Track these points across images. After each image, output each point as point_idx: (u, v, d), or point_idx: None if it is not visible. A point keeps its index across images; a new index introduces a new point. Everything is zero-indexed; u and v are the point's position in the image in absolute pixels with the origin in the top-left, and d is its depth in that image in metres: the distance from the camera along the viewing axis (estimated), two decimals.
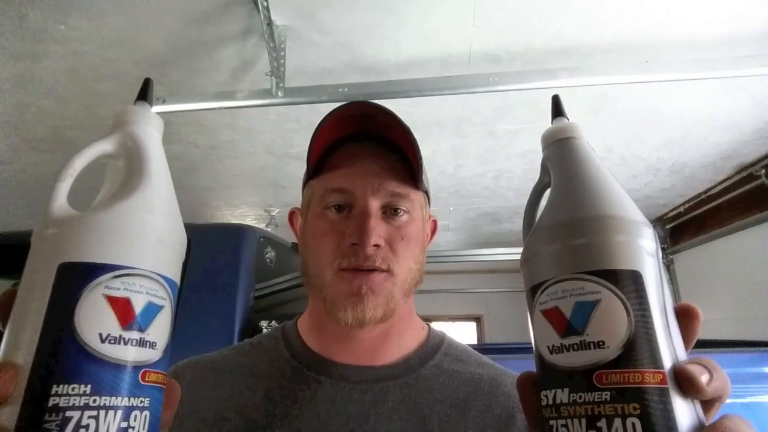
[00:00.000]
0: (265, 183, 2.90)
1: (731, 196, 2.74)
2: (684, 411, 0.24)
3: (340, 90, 1.61)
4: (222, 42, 1.62)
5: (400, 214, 0.54)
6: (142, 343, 0.27)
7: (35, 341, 0.25)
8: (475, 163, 2.62)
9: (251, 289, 1.70)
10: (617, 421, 0.23)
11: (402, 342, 0.58)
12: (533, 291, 0.29)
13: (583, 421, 0.24)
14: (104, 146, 0.32)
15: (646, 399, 0.24)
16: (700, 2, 1.44)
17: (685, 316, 0.28)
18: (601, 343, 0.25)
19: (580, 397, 0.25)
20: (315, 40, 1.62)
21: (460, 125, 2.20)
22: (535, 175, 0.36)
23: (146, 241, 0.29)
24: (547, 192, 0.34)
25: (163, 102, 1.66)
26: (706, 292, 3.11)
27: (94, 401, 0.24)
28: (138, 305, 0.27)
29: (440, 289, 4.99)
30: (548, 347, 0.27)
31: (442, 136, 2.30)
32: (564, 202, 0.31)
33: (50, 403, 0.23)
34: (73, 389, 0.24)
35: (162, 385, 0.28)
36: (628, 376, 0.24)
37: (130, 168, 0.32)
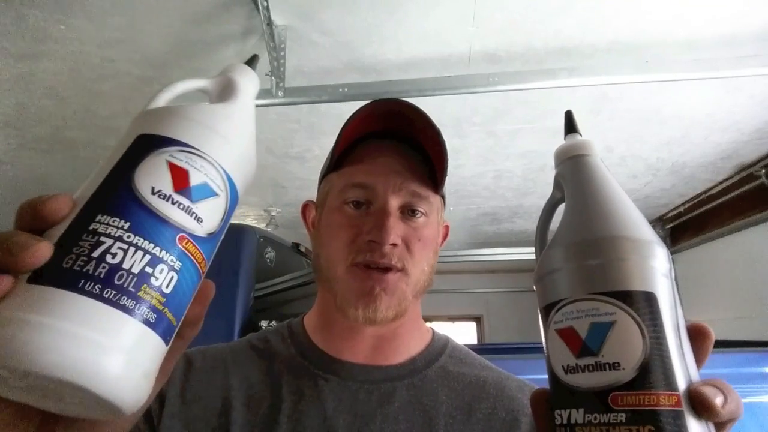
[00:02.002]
0: (265, 183, 2.90)
1: (731, 196, 2.73)
2: None
3: (340, 90, 1.61)
4: (222, 42, 1.62)
5: (418, 215, 0.54)
6: (188, 211, 0.28)
7: (98, 184, 0.28)
8: (475, 163, 2.62)
9: (251, 289, 1.70)
10: None
11: (409, 343, 0.58)
12: (547, 309, 0.30)
13: None
14: (203, 83, 0.36)
15: (662, 421, 0.24)
16: (700, 2, 1.44)
17: (697, 336, 0.28)
18: (616, 365, 0.25)
19: (596, 418, 0.25)
20: (315, 40, 1.61)
21: (460, 125, 2.20)
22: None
23: (219, 138, 0.31)
24: (560, 207, 0.35)
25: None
26: (706, 292, 3.11)
27: (128, 237, 0.26)
28: (194, 180, 0.29)
29: (440, 289, 4.99)
30: (563, 367, 0.28)
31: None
32: (579, 222, 0.31)
33: (90, 227, 0.26)
34: (113, 221, 0.26)
35: (198, 264, 0.29)
36: (644, 399, 0.24)
37: (221, 94, 0.35)
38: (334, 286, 0.53)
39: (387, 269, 0.51)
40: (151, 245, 0.26)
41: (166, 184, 0.28)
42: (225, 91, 0.36)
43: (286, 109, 1.98)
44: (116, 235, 0.26)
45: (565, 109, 0.38)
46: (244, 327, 1.63)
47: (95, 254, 0.25)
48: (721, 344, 1.70)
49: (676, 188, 2.97)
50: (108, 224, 0.26)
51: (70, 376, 0.22)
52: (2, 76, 1.77)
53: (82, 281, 0.24)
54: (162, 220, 0.27)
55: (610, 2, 1.45)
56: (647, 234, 0.29)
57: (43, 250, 0.24)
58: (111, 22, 1.52)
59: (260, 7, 1.37)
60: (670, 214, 3.40)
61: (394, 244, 0.51)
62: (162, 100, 0.34)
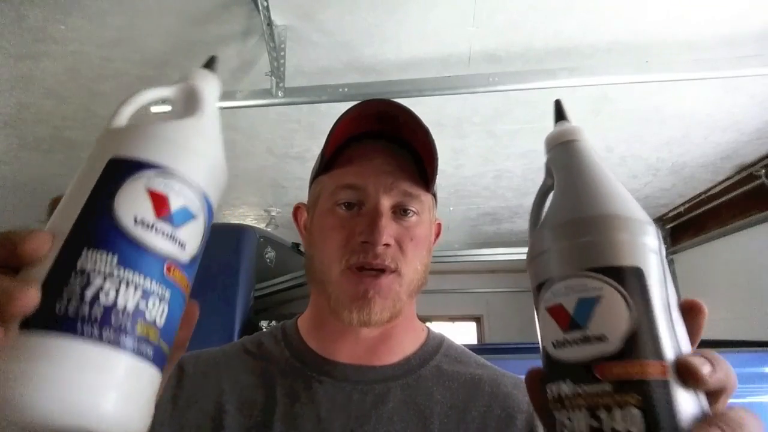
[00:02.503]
0: (265, 183, 2.90)
1: (731, 196, 2.73)
2: (687, 402, 0.24)
3: (340, 90, 1.61)
4: (222, 42, 1.62)
5: (410, 215, 0.54)
6: (172, 238, 0.28)
7: (76, 215, 0.27)
8: (475, 163, 2.62)
9: (251, 289, 1.70)
10: (617, 412, 0.24)
11: (403, 343, 0.58)
12: (539, 289, 0.30)
13: (585, 412, 0.25)
14: (165, 92, 0.35)
15: (647, 390, 0.24)
16: (700, 2, 1.44)
17: (689, 312, 0.28)
18: (602, 337, 0.26)
19: (582, 390, 0.26)
20: (315, 40, 1.61)
21: (460, 125, 2.20)
22: (535, 175, 0.37)
23: (192, 155, 0.31)
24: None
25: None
26: (706, 292, 3.10)
27: (118, 272, 0.25)
28: (174, 204, 0.29)
29: (440, 289, 4.99)
30: (552, 342, 0.28)
31: (442, 136, 2.30)
32: (567, 203, 0.32)
33: (78, 266, 0.25)
34: (101, 256, 0.25)
35: (184, 290, 0.29)
36: (629, 368, 0.25)
37: (186, 105, 0.34)
38: (327, 288, 0.53)
39: (380, 271, 0.51)
40: (141, 278, 0.26)
41: (148, 212, 0.27)
42: (189, 101, 0.35)
43: (286, 109, 1.98)
44: (106, 271, 0.25)
45: (557, 100, 0.39)
46: (244, 327, 1.63)
47: (88, 295, 0.24)
48: (721, 344, 1.70)
49: (676, 188, 2.97)
50: (96, 260, 0.25)
51: (75, 422, 0.22)
52: (2, 76, 1.77)
53: (78, 324, 0.23)
54: (148, 251, 0.27)
55: (610, 2, 1.45)
56: (636, 212, 0.29)
57: (32, 298, 0.23)
58: (111, 22, 1.52)
59: (260, 7, 1.37)
60: (670, 214, 3.40)
61: (387, 245, 0.51)
62: (126, 113, 0.33)
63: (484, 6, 1.46)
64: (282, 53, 1.56)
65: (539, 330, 0.30)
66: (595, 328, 0.26)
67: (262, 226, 3.42)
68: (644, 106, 2.01)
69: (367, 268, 0.51)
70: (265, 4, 1.38)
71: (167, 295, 0.27)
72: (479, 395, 0.53)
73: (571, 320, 0.27)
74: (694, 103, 1.98)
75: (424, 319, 0.62)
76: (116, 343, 0.24)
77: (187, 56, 1.69)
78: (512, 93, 1.82)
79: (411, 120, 0.53)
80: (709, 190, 2.94)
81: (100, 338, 0.24)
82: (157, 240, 0.27)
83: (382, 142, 0.56)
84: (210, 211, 0.32)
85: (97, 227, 0.26)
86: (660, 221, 3.49)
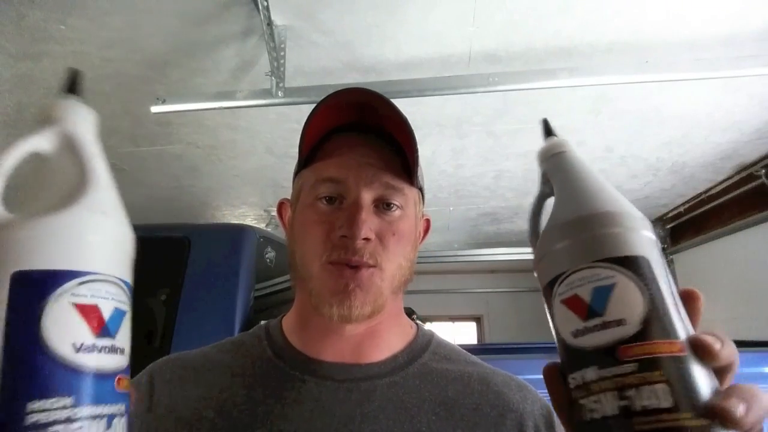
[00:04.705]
0: (265, 183, 2.90)
1: (731, 196, 2.73)
2: (703, 376, 0.26)
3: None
4: (222, 42, 1.62)
5: (393, 209, 0.53)
6: (113, 349, 0.26)
7: None
8: (475, 163, 2.62)
9: (251, 289, 1.70)
10: (645, 389, 0.25)
11: (390, 340, 0.56)
12: (551, 285, 0.31)
13: (613, 393, 0.26)
14: (38, 143, 0.30)
15: (669, 367, 0.25)
16: (700, 2, 1.44)
17: (688, 299, 0.30)
18: (621, 321, 0.27)
19: (608, 372, 0.26)
20: (315, 40, 1.62)
21: (460, 125, 2.20)
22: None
23: (105, 245, 0.28)
24: (550, 200, 0.37)
25: (163, 102, 1.66)
26: (706, 292, 3.05)
27: (75, 414, 0.23)
28: (106, 312, 0.26)
29: (440, 289, 5.00)
30: (571, 332, 0.29)
31: (442, 136, 2.30)
32: (571, 204, 0.33)
33: (28, 422, 0.22)
34: (52, 404, 0.23)
35: (129, 391, 0.28)
36: (650, 348, 0.26)
37: (73, 168, 0.30)
38: (309, 284, 0.51)
39: (359, 266, 0.49)
40: (101, 407, 0.24)
41: (85, 333, 0.25)
42: (66, 153, 0.30)
43: (286, 109, 1.97)
44: (64, 417, 0.23)
45: (544, 117, 0.41)
46: (244, 327, 1.63)
47: None
48: None
49: (676, 188, 2.97)
50: (48, 409, 0.23)
51: None
52: (2, 76, 1.77)
53: None
54: (98, 376, 0.25)
55: (610, 2, 1.45)
56: (632, 209, 0.32)
57: None
58: (111, 22, 1.52)
59: (260, 7, 1.37)
60: (670, 214, 3.40)
61: (367, 239, 0.50)
62: None
63: (484, 6, 1.46)
64: (282, 53, 1.56)
65: (555, 324, 0.31)
66: (613, 313, 0.27)
67: (262, 226, 3.42)
68: (644, 106, 2.01)
69: (347, 265, 0.49)
70: (265, 4, 1.38)
71: (123, 408, 0.26)
72: (468, 393, 0.52)
73: (588, 309, 0.28)
74: (694, 103, 1.98)
75: (424, 319, 0.62)
76: None
77: (187, 56, 1.69)
78: (512, 93, 1.82)
79: (390, 111, 0.52)
80: (709, 190, 2.94)
81: None
82: (102, 360, 0.25)
83: (363, 133, 0.55)
84: (131, 293, 0.29)
85: (36, 372, 0.23)
86: (660, 221, 3.49)
